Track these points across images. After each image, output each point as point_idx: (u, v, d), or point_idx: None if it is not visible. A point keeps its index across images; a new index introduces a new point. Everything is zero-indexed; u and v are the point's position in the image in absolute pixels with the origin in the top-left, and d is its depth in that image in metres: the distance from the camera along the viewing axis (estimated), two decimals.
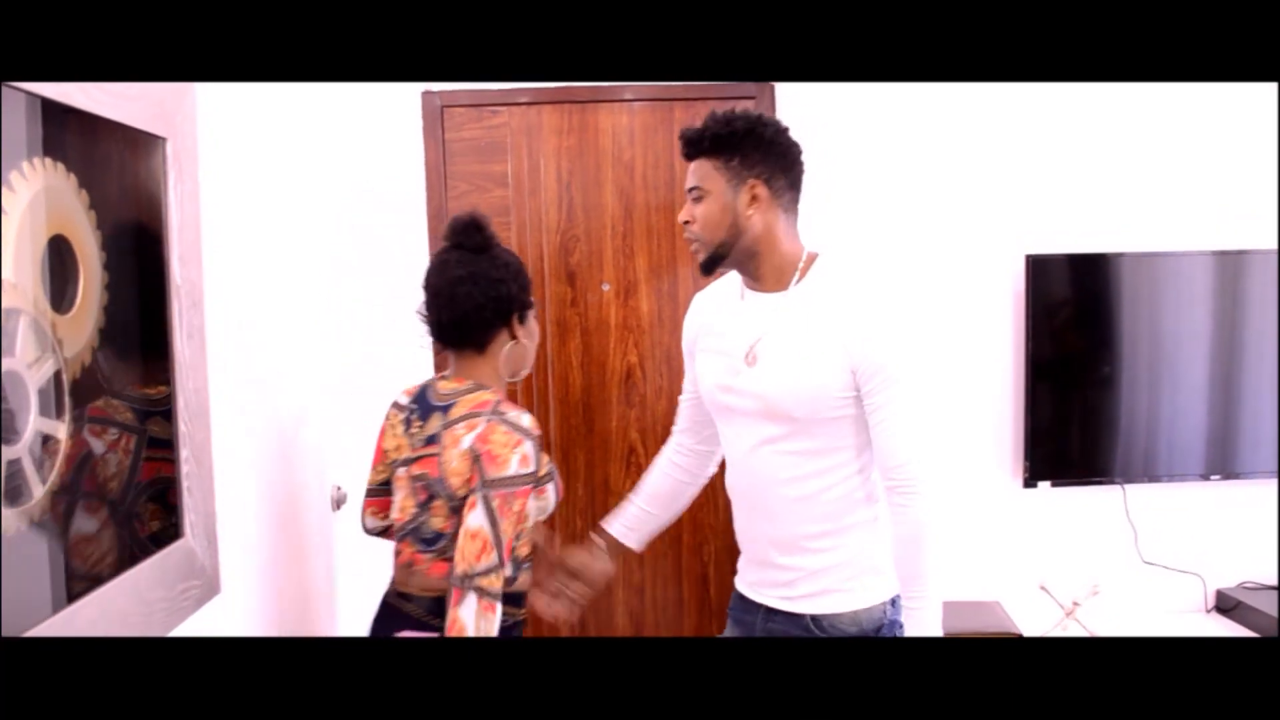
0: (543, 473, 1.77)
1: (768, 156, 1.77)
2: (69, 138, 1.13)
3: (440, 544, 1.75)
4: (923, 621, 1.74)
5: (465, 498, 1.71)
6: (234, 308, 1.68)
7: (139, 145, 1.30)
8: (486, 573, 1.65)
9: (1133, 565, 2.89)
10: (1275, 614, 2.68)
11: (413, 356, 2.81)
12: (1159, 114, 2.86)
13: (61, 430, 1.09)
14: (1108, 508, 2.90)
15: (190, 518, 1.41)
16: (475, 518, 1.68)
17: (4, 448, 0.98)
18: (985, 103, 2.84)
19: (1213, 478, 2.87)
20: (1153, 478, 2.88)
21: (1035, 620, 2.80)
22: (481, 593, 1.65)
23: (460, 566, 1.66)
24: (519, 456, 1.70)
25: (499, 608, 1.67)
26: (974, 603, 2.84)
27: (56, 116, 1.09)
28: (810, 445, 1.77)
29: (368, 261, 2.80)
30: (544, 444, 1.83)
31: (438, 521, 1.76)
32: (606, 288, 2.87)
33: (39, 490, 1.04)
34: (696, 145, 1.79)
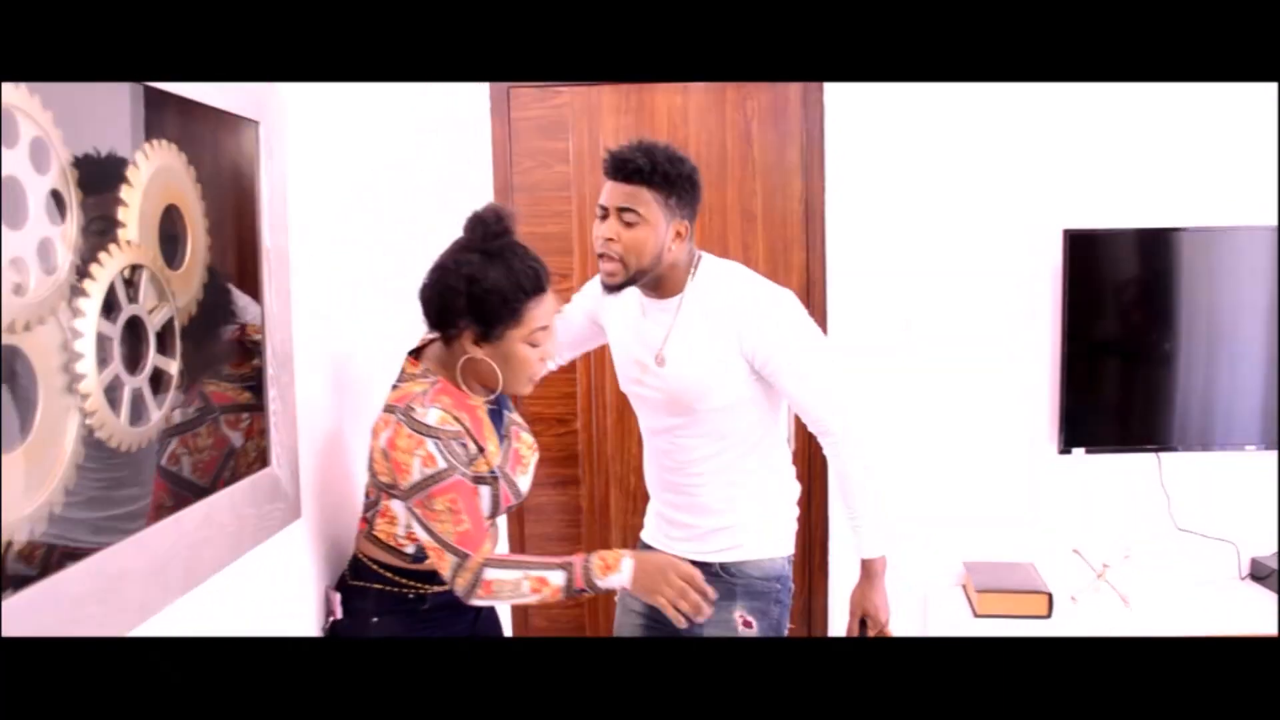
0: (448, 467, 1.67)
1: (693, 201, 1.96)
2: (180, 121, 1.34)
3: (368, 509, 1.82)
4: (866, 540, 2.01)
5: (387, 485, 1.73)
6: (316, 270, 1.90)
7: (236, 128, 1.52)
8: (456, 574, 1.67)
9: (1166, 532, 2.96)
10: None
11: None
12: (1191, 88, 2.87)
13: (173, 366, 1.31)
14: (1142, 475, 2.97)
15: (276, 450, 1.63)
16: (419, 530, 1.70)
17: (130, 377, 1.20)
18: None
19: (1247, 447, 2.92)
20: (1188, 446, 2.94)
21: (1067, 582, 2.90)
22: (470, 587, 1.67)
23: (443, 576, 1.71)
24: (420, 459, 1.66)
25: (494, 579, 1.66)
26: (1008, 563, 2.96)
27: (167, 102, 1.31)
28: (709, 430, 2.00)
29: (437, 231, 3.00)
30: (477, 434, 1.76)
31: (370, 481, 1.80)
32: None
33: (156, 415, 1.26)
34: (643, 176, 1.90)
